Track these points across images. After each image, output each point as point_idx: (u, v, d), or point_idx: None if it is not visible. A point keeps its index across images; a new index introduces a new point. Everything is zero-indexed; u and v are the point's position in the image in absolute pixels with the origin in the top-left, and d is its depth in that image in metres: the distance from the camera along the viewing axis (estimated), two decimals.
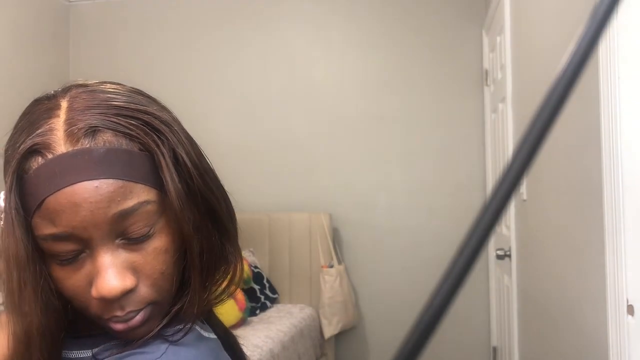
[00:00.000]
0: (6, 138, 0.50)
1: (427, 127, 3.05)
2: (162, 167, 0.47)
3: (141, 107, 0.48)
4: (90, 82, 0.51)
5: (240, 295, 2.52)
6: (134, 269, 0.47)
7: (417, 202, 3.03)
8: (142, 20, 3.43)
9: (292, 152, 3.18)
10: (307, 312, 2.88)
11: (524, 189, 1.91)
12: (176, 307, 0.52)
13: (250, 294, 2.79)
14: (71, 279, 0.47)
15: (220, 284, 0.56)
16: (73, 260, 0.47)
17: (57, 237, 0.45)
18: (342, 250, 3.11)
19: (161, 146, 0.47)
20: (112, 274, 0.46)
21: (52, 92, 0.50)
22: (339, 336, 3.00)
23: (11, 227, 0.45)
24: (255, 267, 2.96)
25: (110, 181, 0.45)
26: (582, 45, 0.20)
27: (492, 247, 2.64)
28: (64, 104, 0.48)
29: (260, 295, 2.88)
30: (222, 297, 0.57)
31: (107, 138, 0.46)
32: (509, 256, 2.18)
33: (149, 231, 0.47)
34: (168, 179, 0.47)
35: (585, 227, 1.20)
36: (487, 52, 2.88)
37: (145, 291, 0.48)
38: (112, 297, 0.46)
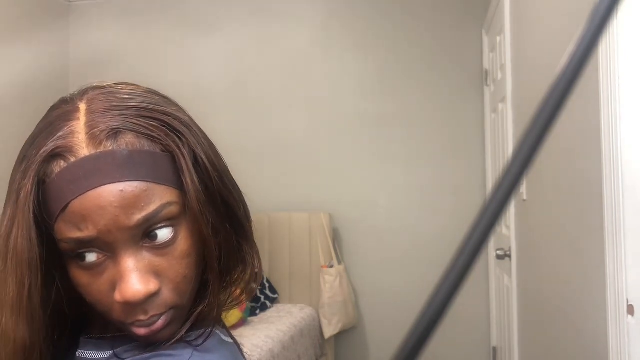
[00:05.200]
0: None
1: (427, 127, 3.05)
2: (183, 169, 0.47)
3: (160, 108, 0.48)
4: (105, 84, 0.51)
5: None
6: (157, 273, 0.47)
7: (417, 202, 3.03)
8: (142, 20, 3.43)
9: (292, 152, 3.18)
10: (307, 312, 2.88)
11: (524, 189, 1.91)
12: (197, 311, 0.52)
13: None
14: (95, 284, 0.47)
15: (238, 285, 0.56)
16: (96, 264, 0.46)
17: (81, 241, 0.45)
18: (342, 250, 3.11)
19: (182, 147, 0.47)
20: (135, 277, 0.45)
21: (69, 96, 0.50)
22: (339, 336, 3.00)
23: (26, 231, 0.45)
24: None
25: (135, 184, 0.45)
26: (582, 45, 0.20)
27: (492, 247, 2.64)
28: (82, 106, 0.47)
29: (260, 295, 2.88)
30: (241, 298, 0.57)
31: (129, 140, 0.46)
32: (509, 256, 2.18)
33: (172, 234, 0.47)
34: (188, 180, 0.47)
35: (586, 227, 1.20)
36: (487, 52, 2.88)
37: (168, 295, 0.48)
38: (136, 301, 0.45)
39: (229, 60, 3.29)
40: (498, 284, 2.68)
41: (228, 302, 0.56)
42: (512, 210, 2.16)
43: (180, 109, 0.52)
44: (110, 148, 0.45)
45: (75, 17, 3.53)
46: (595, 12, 0.20)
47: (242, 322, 2.50)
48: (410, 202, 3.04)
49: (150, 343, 0.50)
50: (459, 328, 2.89)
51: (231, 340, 0.58)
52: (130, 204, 0.44)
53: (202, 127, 0.55)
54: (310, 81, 3.19)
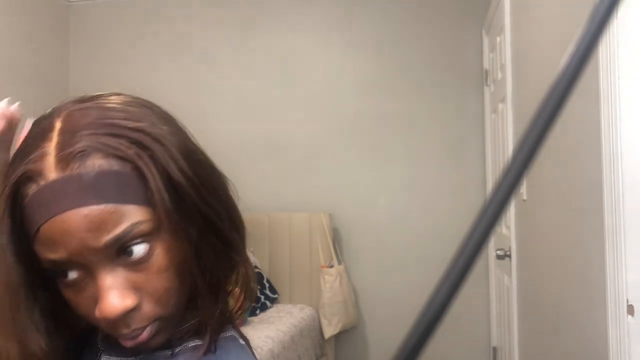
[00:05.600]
0: None
1: (427, 127, 3.05)
2: (151, 187, 0.46)
3: (132, 124, 0.48)
4: (87, 97, 0.51)
5: None
6: (136, 288, 0.47)
7: (417, 202, 3.03)
8: (142, 20, 3.43)
9: (292, 152, 3.18)
10: (307, 312, 2.88)
11: (524, 189, 1.91)
12: (193, 321, 0.53)
13: None
14: (79, 299, 0.48)
15: (235, 294, 0.56)
16: (78, 281, 0.47)
17: (56, 262, 0.46)
18: (342, 250, 3.11)
19: (151, 165, 0.47)
20: (112, 295, 0.46)
21: (50, 110, 0.50)
22: (338, 336, 3.00)
23: (2, 254, 0.46)
24: (255, 267, 2.96)
25: (101, 207, 0.45)
26: (582, 45, 0.20)
27: (492, 247, 2.64)
28: (57, 124, 0.48)
29: (260, 295, 2.88)
30: (245, 307, 0.58)
31: (97, 161, 0.45)
32: (509, 256, 2.18)
33: (147, 250, 0.47)
34: (157, 198, 0.46)
35: (586, 227, 1.20)
36: (487, 52, 2.88)
37: (149, 308, 0.48)
38: (114, 318, 0.46)
39: (229, 60, 3.29)
40: (498, 284, 2.68)
41: (237, 309, 0.56)
42: (512, 210, 2.16)
43: (159, 119, 0.51)
44: (77, 171, 0.45)
45: (75, 17, 3.52)
46: (595, 12, 0.20)
47: (242, 322, 2.50)
48: (410, 202, 3.04)
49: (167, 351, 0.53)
50: (459, 328, 2.89)
51: (243, 342, 0.59)
52: (97, 227, 0.45)
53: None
54: (310, 81, 3.19)
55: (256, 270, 2.94)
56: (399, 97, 3.08)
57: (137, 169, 0.46)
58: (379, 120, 3.09)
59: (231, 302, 0.56)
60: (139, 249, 0.47)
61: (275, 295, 3.00)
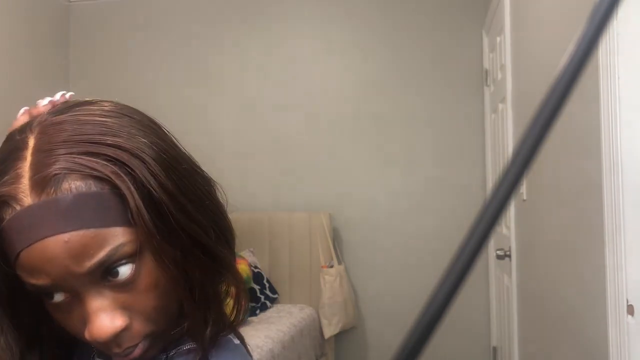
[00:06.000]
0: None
1: (427, 127, 3.05)
2: (131, 208, 0.44)
3: (109, 140, 0.45)
4: (63, 107, 0.48)
5: None
6: (125, 307, 0.46)
7: (417, 202, 3.03)
8: (142, 20, 3.43)
9: (292, 152, 3.18)
10: (307, 312, 2.88)
11: (524, 189, 1.91)
12: (175, 331, 0.52)
13: (250, 294, 2.79)
14: (68, 320, 0.47)
15: (229, 305, 0.56)
16: (65, 303, 0.46)
17: (40, 287, 0.45)
18: (342, 250, 3.11)
19: (129, 184, 0.44)
20: (101, 317, 0.45)
21: (25, 125, 0.48)
22: (338, 336, 3.00)
23: None
24: (255, 267, 2.96)
25: (81, 232, 0.43)
26: (582, 45, 0.20)
27: (492, 247, 2.64)
28: (31, 142, 0.45)
29: (260, 295, 2.88)
30: (238, 319, 0.57)
31: (74, 183, 0.43)
32: (509, 256, 2.18)
33: (132, 271, 0.46)
34: (137, 219, 0.45)
35: (585, 226, 1.20)
36: (487, 53, 2.88)
37: (140, 327, 0.48)
38: (104, 340, 0.45)
39: (229, 60, 3.29)
40: (498, 284, 2.68)
41: (225, 319, 0.55)
42: (512, 210, 2.16)
43: (138, 130, 0.48)
44: (53, 195, 0.43)
45: (75, 17, 3.52)
46: (595, 12, 0.20)
47: (241, 322, 2.50)
48: (410, 202, 3.04)
49: None
50: (459, 328, 2.89)
51: (238, 342, 0.58)
52: (79, 253, 0.43)
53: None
54: (310, 81, 3.19)
55: (256, 270, 2.94)
56: (399, 97, 3.08)
57: (116, 188, 0.44)
58: (379, 120, 3.09)
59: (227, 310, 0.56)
60: (125, 270, 0.45)
61: (275, 295, 3.00)
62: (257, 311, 2.79)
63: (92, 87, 3.45)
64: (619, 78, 0.99)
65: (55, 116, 0.47)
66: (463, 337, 2.92)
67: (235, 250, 0.55)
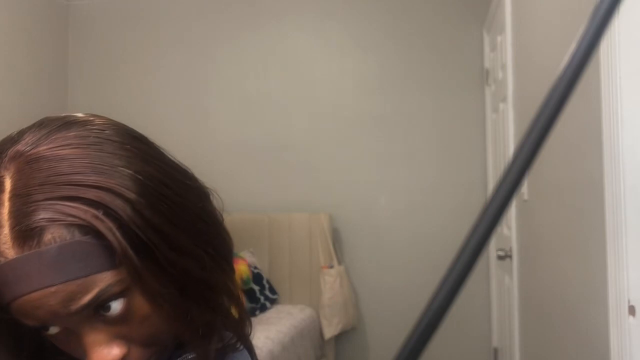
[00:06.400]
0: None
1: (427, 127, 3.05)
2: (117, 252, 0.43)
3: (89, 180, 0.43)
4: (40, 137, 0.46)
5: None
6: (121, 337, 0.47)
7: (418, 202, 3.03)
8: (142, 20, 3.43)
9: (292, 152, 3.18)
10: (307, 312, 2.87)
11: (525, 189, 1.91)
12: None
13: (249, 294, 2.78)
14: (68, 348, 0.48)
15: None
16: (62, 334, 0.46)
17: (35, 327, 0.45)
18: (342, 251, 3.11)
19: (113, 228, 0.43)
20: (98, 350, 0.45)
21: None
22: (339, 337, 3.00)
23: None
24: (255, 267, 2.96)
25: (67, 284, 0.43)
26: (583, 44, 0.20)
27: (493, 248, 2.64)
28: (7, 184, 0.44)
29: (259, 296, 2.88)
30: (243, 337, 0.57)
31: (56, 233, 0.42)
32: (510, 257, 2.18)
33: (124, 305, 0.45)
34: (123, 261, 0.43)
35: (587, 227, 1.20)
36: (488, 52, 2.88)
37: (139, 353, 0.48)
38: None
39: (229, 60, 3.29)
40: (499, 284, 2.68)
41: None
42: (513, 210, 2.16)
43: (119, 159, 0.46)
44: (36, 248, 0.42)
45: (75, 17, 3.53)
46: (597, 11, 0.20)
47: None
48: (410, 202, 3.04)
49: None
50: (460, 328, 2.89)
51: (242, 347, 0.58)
52: (66, 298, 0.43)
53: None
54: (310, 81, 3.19)
55: (256, 271, 2.94)
56: (399, 96, 3.08)
57: (100, 233, 0.43)
58: (379, 120, 3.09)
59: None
60: (116, 306, 0.45)
61: (275, 296, 3.00)
62: (257, 312, 2.78)
63: (91, 87, 3.45)
64: (620, 77, 0.99)
65: (31, 149, 0.45)
66: (464, 338, 2.92)
67: (235, 250, 0.54)
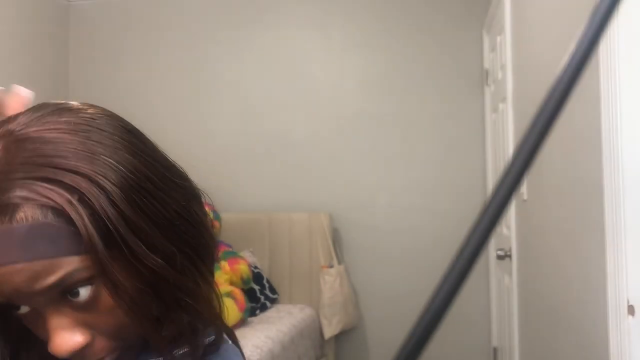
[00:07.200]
0: None
1: (427, 127, 3.05)
2: (85, 241, 0.43)
3: (70, 164, 0.43)
4: (33, 119, 0.46)
5: (240, 295, 2.52)
6: (87, 325, 0.46)
7: (417, 202, 3.03)
8: (142, 20, 3.43)
9: (292, 152, 3.18)
10: (307, 312, 2.88)
11: (524, 188, 1.91)
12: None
13: (250, 294, 2.78)
14: (36, 330, 0.48)
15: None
16: (30, 314, 0.46)
17: (3, 304, 0.45)
18: (342, 250, 3.11)
19: (83, 216, 0.43)
20: (61, 334, 0.45)
21: None
22: (339, 336, 3.00)
23: None
24: (255, 267, 2.96)
25: (33, 263, 0.43)
26: (583, 45, 0.20)
27: (492, 248, 2.64)
28: None
29: (260, 296, 2.88)
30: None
31: (29, 212, 0.42)
32: (510, 256, 2.18)
33: (92, 292, 0.45)
34: (89, 249, 0.43)
35: (586, 227, 1.20)
36: (488, 52, 2.88)
37: (104, 343, 0.47)
38: (64, 355, 0.45)
39: (229, 60, 3.29)
40: (498, 284, 2.68)
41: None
42: (512, 210, 2.16)
43: (105, 148, 0.46)
44: (8, 224, 0.42)
45: (75, 17, 3.53)
46: (596, 12, 0.20)
47: (241, 323, 2.50)
48: (410, 202, 3.04)
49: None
50: (460, 328, 2.89)
51: (230, 341, 0.58)
52: (31, 277, 0.43)
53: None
54: (310, 81, 3.19)
55: (256, 270, 2.94)
56: (399, 96, 3.08)
57: (70, 218, 0.43)
58: (379, 120, 3.09)
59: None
60: (84, 292, 0.45)
61: (275, 296, 3.00)
62: (257, 311, 2.78)
63: (91, 87, 3.45)
64: (619, 78, 0.99)
65: (21, 129, 0.45)
66: (463, 338, 2.92)
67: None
